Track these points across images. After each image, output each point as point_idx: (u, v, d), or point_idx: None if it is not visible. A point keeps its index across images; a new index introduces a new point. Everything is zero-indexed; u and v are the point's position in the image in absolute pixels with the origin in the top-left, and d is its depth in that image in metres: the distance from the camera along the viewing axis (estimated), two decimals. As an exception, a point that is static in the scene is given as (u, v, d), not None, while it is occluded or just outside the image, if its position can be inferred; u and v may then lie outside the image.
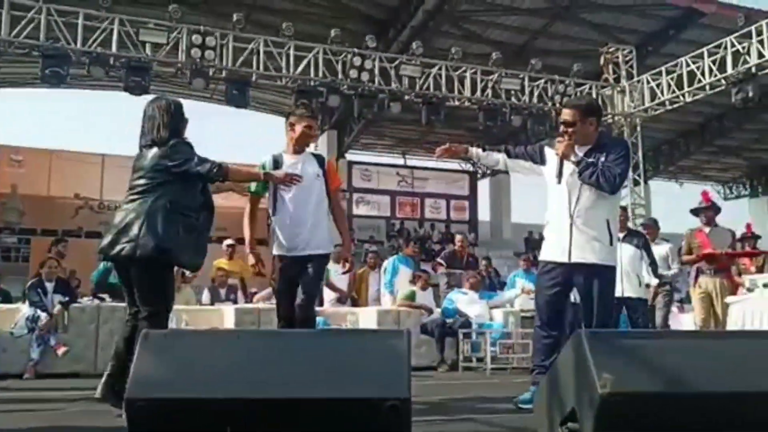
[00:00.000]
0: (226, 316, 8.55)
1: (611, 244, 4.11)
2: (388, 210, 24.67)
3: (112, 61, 12.61)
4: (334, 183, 4.70)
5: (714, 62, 14.30)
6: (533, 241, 21.39)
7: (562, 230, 4.10)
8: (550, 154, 4.24)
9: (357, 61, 13.59)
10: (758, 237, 9.15)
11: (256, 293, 9.75)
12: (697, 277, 7.36)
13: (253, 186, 4.56)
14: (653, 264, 7.31)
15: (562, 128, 4.20)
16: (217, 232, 18.30)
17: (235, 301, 9.47)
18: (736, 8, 15.35)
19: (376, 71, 13.90)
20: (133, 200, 3.78)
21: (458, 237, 11.15)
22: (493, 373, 7.86)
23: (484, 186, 26.18)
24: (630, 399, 2.31)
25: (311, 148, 4.78)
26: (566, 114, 4.20)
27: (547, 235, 4.26)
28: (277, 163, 4.50)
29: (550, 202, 4.22)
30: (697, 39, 16.20)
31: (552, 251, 4.16)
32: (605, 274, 4.16)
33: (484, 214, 25.85)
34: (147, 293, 3.74)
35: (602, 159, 4.07)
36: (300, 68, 13.44)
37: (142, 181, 3.79)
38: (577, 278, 4.12)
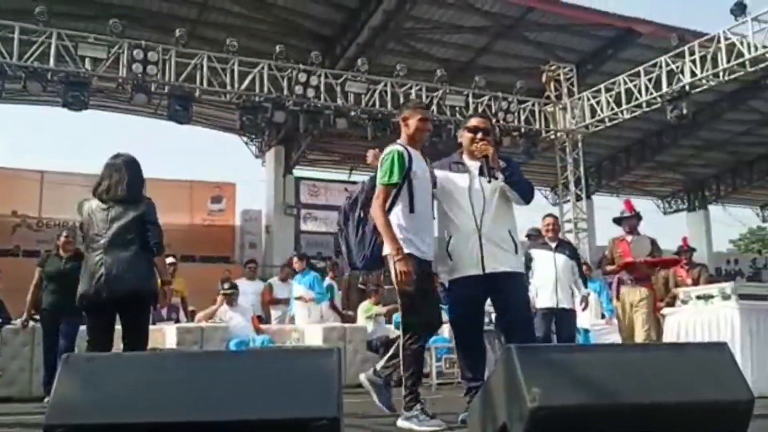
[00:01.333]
0: (168, 336, 8.39)
1: (516, 252, 4.24)
2: (336, 226, 24.58)
3: (50, 75, 12.30)
4: None
5: (650, 80, 14.76)
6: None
7: (470, 243, 4.12)
8: (455, 168, 4.34)
9: (302, 77, 13.58)
10: (693, 250, 9.41)
11: (194, 312, 9.60)
12: (618, 288, 7.23)
13: (396, 176, 4.00)
14: (582, 276, 7.42)
15: (480, 135, 4.27)
16: (160, 250, 17.99)
17: (177, 320, 9.30)
18: (671, 29, 15.87)
19: (322, 87, 13.92)
20: (114, 249, 4.25)
21: None
22: (439, 388, 7.88)
23: (431, 201, 26.35)
24: (558, 412, 2.35)
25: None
26: (483, 122, 4.37)
27: (453, 250, 4.23)
28: (410, 155, 4.08)
29: (452, 216, 4.24)
30: (635, 58, 16.69)
31: (464, 265, 4.16)
32: (520, 280, 4.31)
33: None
34: (141, 332, 4.31)
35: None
36: (245, 84, 13.36)
37: (125, 234, 4.28)
38: (494, 289, 4.14)
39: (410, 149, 4.10)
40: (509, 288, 4.15)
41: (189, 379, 1.98)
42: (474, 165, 4.26)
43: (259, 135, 21.53)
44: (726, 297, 6.38)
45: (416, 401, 3.99)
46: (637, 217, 7.44)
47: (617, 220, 7.48)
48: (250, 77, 13.40)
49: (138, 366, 2.00)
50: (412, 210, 4.01)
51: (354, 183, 25.75)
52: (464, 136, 4.38)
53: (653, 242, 7.27)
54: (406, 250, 3.91)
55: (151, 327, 8.71)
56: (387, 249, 3.97)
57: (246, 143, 22.44)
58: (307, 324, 9.23)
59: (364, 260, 4.15)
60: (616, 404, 2.43)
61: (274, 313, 10.50)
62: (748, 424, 2.52)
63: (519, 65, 18.43)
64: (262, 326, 9.20)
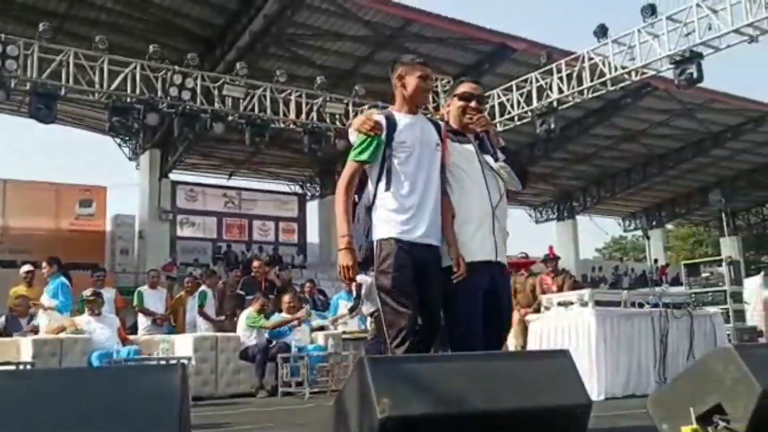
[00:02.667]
0: (23, 348, 7.84)
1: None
2: (215, 232, 24.04)
3: None
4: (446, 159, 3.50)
5: (522, 95, 15.42)
6: (360, 263, 21.75)
7: (484, 225, 3.46)
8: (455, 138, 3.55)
9: (178, 78, 13.18)
10: (558, 258, 9.87)
11: (61, 323, 9.05)
12: None
13: (366, 154, 3.31)
14: None
15: (474, 103, 3.53)
16: (20, 255, 16.93)
17: (36, 332, 8.72)
18: (541, 46, 16.65)
19: (198, 90, 13.57)
20: None
21: (255, 263, 11.02)
22: (312, 397, 7.82)
23: (313, 208, 26.30)
24: (407, 422, 2.37)
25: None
26: (476, 88, 3.59)
27: (465, 230, 3.46)
28: (391, 124, 3.34)
29: (461, 191, 3.48)
30: (509, 73, 17.38)
31: (474, 248, 3.40)
32: (508, 276, 3.83)
33: (313, 236, 25.94)
34: None
35: None
36: (115, 83, 12.79)
37: None
38: (498, 282, 3.49)
39: (400, 114, 3.39)
40: (507, 286, 3.66)
41: (10, 400, 1.83)
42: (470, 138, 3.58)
43: (134, 137, 20.73)
44: (584, 304, 6.71)
45: None
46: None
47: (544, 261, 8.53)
48: (120, 77, 12.85)
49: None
50: (388, 187, 3.33)
51: (233, 188, 25.40)
52: (453, 105, 3.60)
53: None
54: (382, 235, 3.30)
55: (5, 339, 8.23)
56: (376, 233, 3.33)
57: (119, 145, 21.55)
58: (46, 333, 8.54)
59: (362, 250, 3.38)
60: (465, 412, 2.48)
61: (144, 322, 10.11)
62: (586, 427, 2.64)
63: (399, 75, 18.71)
64: (130, 337, 8.80)
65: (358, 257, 3.34)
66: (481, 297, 3.39)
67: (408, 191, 3.32)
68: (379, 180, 3.35)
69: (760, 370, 2.99)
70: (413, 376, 2.48)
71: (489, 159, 3.50)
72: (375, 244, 3.32)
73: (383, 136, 3.31)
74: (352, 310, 9.52)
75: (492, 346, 3.36)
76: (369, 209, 3.38)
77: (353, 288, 9.26)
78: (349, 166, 3.35)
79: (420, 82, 3.39)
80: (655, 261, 27.11)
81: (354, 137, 3.40)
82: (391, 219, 3.31)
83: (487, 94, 16.33)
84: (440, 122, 3.52)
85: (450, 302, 3.42)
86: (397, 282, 3.25)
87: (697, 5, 12.73)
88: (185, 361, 7.58)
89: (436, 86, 17.29)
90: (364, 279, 8.65)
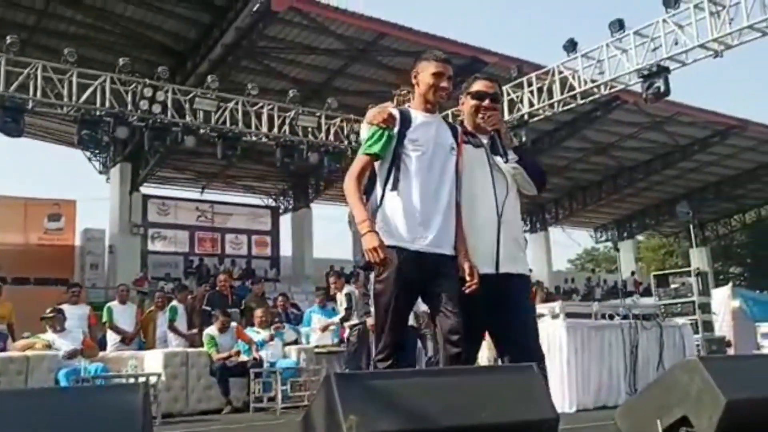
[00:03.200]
0: (-13, 366, 7.67)
1: (525, 252, 3.49)
2: (187, 246, 23.82)
3: None
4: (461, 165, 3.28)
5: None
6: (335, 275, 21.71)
7: (487, 233, 3.26)
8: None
9: (148, 91, 13.09)
10: (530, 270, 9.84)
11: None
12: None
13: (378, 146, 3.12)
14: None
15: (488, 102, 3.33)
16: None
17: (3, 349, 8.54)
18: (512, 60, 16.83)
19: (169, 103, 13.48)
20: None
21: (220, 276, 10.90)
22: (284, 412, 7.76)
23: (286, 221, 26.20)
24: (374, 439, 2.35)
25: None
26: (491, 87, 3.39)
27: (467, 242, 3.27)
28: (405, 119, 3.16)
29: (473, 196, 3.28)
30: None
31: (476, 262, 3.19)
32: (529, 287, 3.50)
33: (286, 249, 25.83)
34: None
35: None
36: (84, 97, 12.65)
37: None
38: (500, 295, 3.23)
39: (416, 112, 3.21)
40: (520, 297, 3.32)
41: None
42: (483, 139, 3.37)
43: (104, 150, 20.50)
44: (555, 316, 6.76)
45: None
46: None
47: None
48: (90, 90, 12.72)
49: None
50: (395, 187, 3.11)
51: (206, 202, 25.21)
52: (466, 104, 3.42)
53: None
54: (385, 241, 3.03)
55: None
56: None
57: (89, 159, 21.29)
58: (13, 350, 8.37)
59: (364, 257, 3.12)
60: (432, 428, 2.47)
61: (113, 337, 9.95)
62: (554, 441, 2.65)
63: (372, 88, 18.79)
64: (101, 353, 8.65)
65: (359, 262, 3.19)
66: (481, 312, 3.18)
67: (417, 194, 3.10)
68: (387, 180, 3.15)
69: (725, 382, 3.02)
70: (381, 393, 2.47)
71: (499, 161, 3.29)
72: None
73: (395, 131, 3.13)
74: (344, 320, 9.33)
75: (515, 359, 3.10)
76: (374, 213, 3.16)
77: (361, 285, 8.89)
78: (359, 160, 3.17)
79: (433, 79, 3.19)
80: (632, 273, 27.45)
81: (365, 131, 3.23)
82: (396, 224, 3.11)
83: (457, 108, 16.44)
84: (458, 126, 3.33)
85: None
86: (393, 298, 3.07)
87: (664, 21, 12.97)
88: (154, 378, 7.50)
89: (409, 98, 17.32)
90: (353, 290, 8.62)
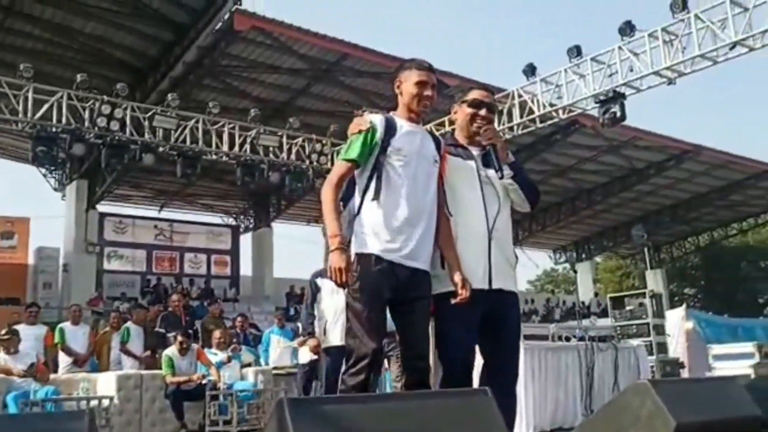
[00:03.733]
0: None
1: (515, 269, 3.40)
2: (144, 265, 23.41)
3: None
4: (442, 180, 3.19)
5: (453, 131, 15.67)
6: (294, 295, 21.56)
7: (478, 248, 3.17)
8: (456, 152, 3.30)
9: (106, 108, 12.91)
10: None
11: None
12: None
13: (356, 152, 3.01)
14: None
15: (484, 112, 3.29)
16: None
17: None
18: (473, 83, 16.98)
19: (128, 120, 13.32)
20: None
21: (173, 297, 10.72)
22: (241, 437, 7.64)
23: (246, 240, 25.97)
24: (326, 466, 2.33)
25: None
26: (487, 96, 3.31)
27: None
28: (390, 127, 3.07)
29: (457, 211, 3.19)
30: (441, 108, 17.52)
31: (467, 276, 3.10)
32: (519, 306, 3.39)
33: (246, 268, 25.57)
34: None
35: None
36: (40, 113, 12.43)
37: None
38: (491, 312, 3.16)
39: (401, 121, 3.13)
40: (511, 316, 3.25)
41: None
42: (475, 151, 3.28)
43: (60, 167, 20.11)
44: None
45: None
46: None
47: None
48: (46, 106, 12.50)
49: None
50: (376, 197, 3.01)
51: (164, 220, 24.87)
52: (462, 112, 3.35)
53: None
54: (362, 249, 2.98)
55: None
56: (354, 247, 3.00)
57: (45, 175, 20.86)
58: None
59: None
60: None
61: (65, 359, 9.69)
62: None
63: (334, 108, 18.84)
64: (51, 375, 8.42)
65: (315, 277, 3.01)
66: (475, 328, 3.13)
67: (398, 204, 3.01)
68: (366, 189, 3.05)
69: (675, 405, 3.07)
70: (335, 418, 2.45)
71: (491, 174, 3.21)
72: (353, 257, 2.99)
73: (378, 137, 3.04)
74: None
75: (498, 383, 3.00)
76: (351, 222, 3.07)
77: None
78: (337, 166, 3.07)
79: (417, 88, 3.10)
80: (596, 294, 27.80)
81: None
82: (375, 233, 3.00)
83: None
84: (441, 138, 3.28)
85: (442, 327, 3.15)
86: (369, 309, 2.96)
87: (619, 48, 13.30)
88: (107, 401, 7.33)
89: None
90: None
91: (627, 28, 13.04)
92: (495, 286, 3.14)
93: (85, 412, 2.02)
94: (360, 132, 3.03)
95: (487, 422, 2.64)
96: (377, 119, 3.08)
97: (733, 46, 11.89)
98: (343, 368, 3.03)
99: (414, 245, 3.00)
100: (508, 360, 3.23)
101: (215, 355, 8.79)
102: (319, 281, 5.85)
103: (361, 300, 2.96)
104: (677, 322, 12.57)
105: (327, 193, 3.00)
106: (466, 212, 3.20)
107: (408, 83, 3.11)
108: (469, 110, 3.30)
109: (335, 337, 5.55)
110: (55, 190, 20.94)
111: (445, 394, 2.85)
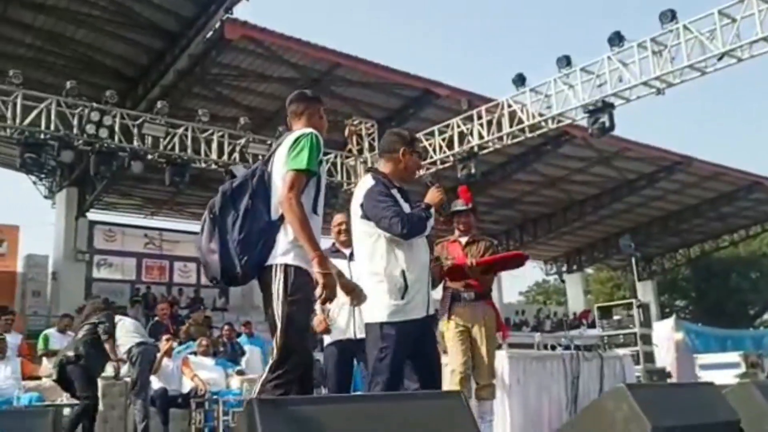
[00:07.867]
0: None
1: None
2: (134, 274, 23.29)
3: None
4: None
5: (444, 140, 15.74)
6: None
7: (425, 279, 3.61)
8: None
9: (95, 116, 12.86)
10: (473, 209, 6.75)
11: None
12: (451, 306, 5.39)
13: (314, 162, 3.17)
14: None
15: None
16: None
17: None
18: (463, 93, 17.09)
19: (117, 128, 13.27)
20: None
21: (159, 305, 10.72)
22: (226, 445, 7.59)
23: (237, 250, 25.81)
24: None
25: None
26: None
27: (412, 287, 3.49)
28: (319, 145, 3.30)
29: (409, 245, 3.55)
30: (432, 118, 17.70)
31: (416, 305, 3.53)
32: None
33: (237, 277, 25.38)
34: None
35: None
36: (29, 119, 12.39)
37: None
38: (428, 335, 3.62)
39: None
40: (434, 338, 3.74)
41: None
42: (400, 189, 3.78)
43: (50, 175, 20.03)
44: (498, 346, 6.77)
45: None
46: (474, 211, 5.71)
47: (450, 215, 5.41)
48: (35, 112, 12.45)
49: None
50: (315, 210, 3.16)
51: (154, 229, 24.76)
52: (408, 158, 3.82)
53: (495, 246, 5.73)
54: (294, 261, 3.08)
55: None
56: (287, 257, 3.09)
57: (34, 183, 20.77)
58: None
59: (246, 266, 3.07)
60: (355, 456, 2.43)
61: (49, 366, 9.61)
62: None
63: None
64: (32, 382, 8.36)
65: (237, 271, 3.09)
66: (408, 351, 3.45)
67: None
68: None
69: (651, 409, 3.07)
70: (304, 419, 2.43)
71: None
72: (280, 267, 3.08)
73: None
74: None
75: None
76: (272, 223, 3.12)
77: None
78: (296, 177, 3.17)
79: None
80: (587, 311, 27.77)
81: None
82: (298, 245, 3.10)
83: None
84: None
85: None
86: (306, 319, 3.13)
87: (608, 58, 13.36)
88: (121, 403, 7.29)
89: (361, 129, 17.46)
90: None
91: (616, 39, 13.11)
92: (431, 311, 3.61)
93: (50, 410, 1.99)
94: (311, 142, 3.22)
95: (459, 424, 2.63)
96: (317, 133, 3.33)
97: (722, 56, 11.96)
98: (266, 375, 3.07)
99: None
100: (435, 375, 3.55)
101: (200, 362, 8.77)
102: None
103: (301, 314, 3.09)
104: (666, 333, 12.59)
105: (298, 208, 3.07)
106: (418, 245, 3.59)
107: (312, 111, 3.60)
108: (418, 159, 3.98)
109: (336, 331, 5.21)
110: (46, 197, 20.84)
111: (417, 396, 2.84)
